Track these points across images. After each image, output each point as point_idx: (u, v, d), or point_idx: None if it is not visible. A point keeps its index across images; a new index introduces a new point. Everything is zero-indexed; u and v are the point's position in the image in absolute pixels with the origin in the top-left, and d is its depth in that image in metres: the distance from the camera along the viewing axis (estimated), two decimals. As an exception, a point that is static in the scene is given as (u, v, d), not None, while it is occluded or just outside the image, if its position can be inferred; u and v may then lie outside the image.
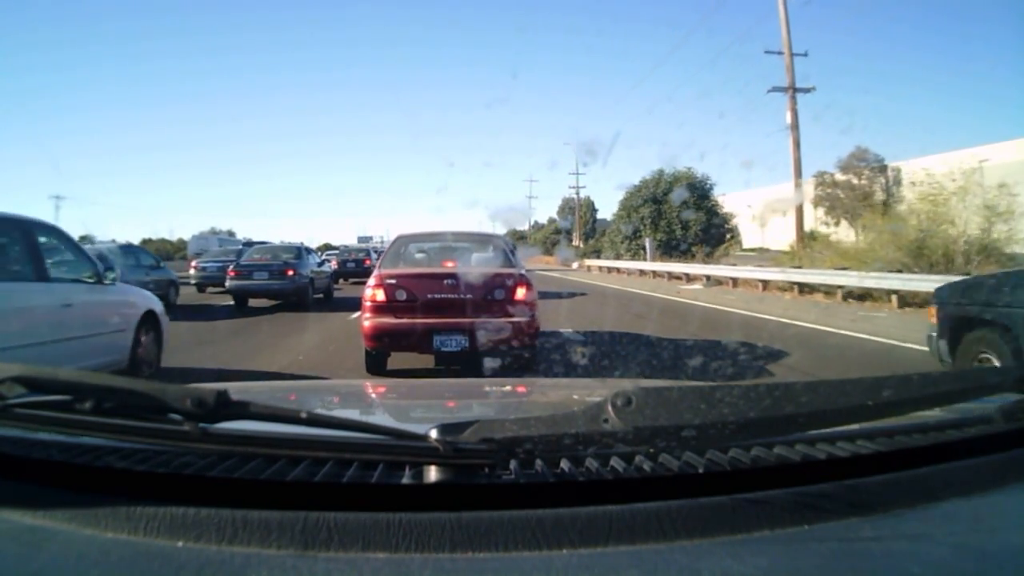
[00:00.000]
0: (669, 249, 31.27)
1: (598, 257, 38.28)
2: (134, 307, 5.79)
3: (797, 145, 21.90)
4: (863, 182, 30.56)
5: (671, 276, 25.11)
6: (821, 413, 0.90)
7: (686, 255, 29.24)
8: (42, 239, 4.92)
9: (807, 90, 21.80)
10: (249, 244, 20.82)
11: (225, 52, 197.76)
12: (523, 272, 5.98)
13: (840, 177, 31.37)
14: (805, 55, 22.17)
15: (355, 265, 22.29)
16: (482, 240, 6.84)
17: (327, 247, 46.63)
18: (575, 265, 39.00)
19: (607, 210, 54.71)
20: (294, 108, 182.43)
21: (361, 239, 61.18)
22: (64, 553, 0.75)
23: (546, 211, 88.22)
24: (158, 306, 6.21)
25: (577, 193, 50.95)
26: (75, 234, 7.60)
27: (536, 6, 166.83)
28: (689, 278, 23.48)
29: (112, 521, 0.80)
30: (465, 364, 5.53)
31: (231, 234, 54.39)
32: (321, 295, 15.30)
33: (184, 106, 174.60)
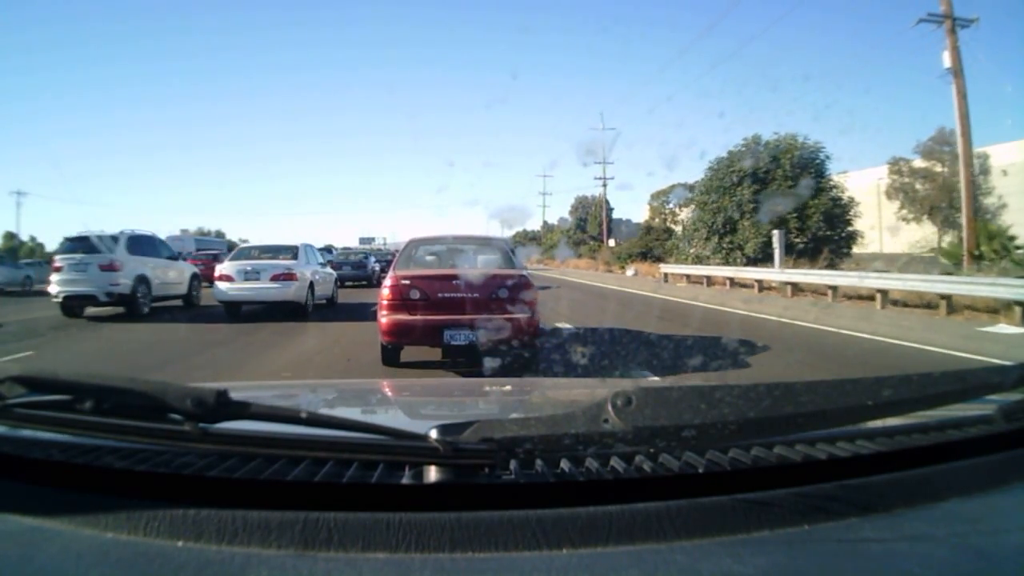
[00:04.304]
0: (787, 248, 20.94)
1: (647, 260, 30.85)
2: (332, 274, 15.44)
3: (963, 96, 15.34)
4: (944, 170, 24.39)
5: (858, 297, 13.75)
6: (821, 413, 0.90)
7: (811, 258, 20.63)
8: (315, 248, 15.07)
9: (969, 22, 15.49)
10: (328, 250, 29.99)
11: (225, 52, 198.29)
12: (525, 273, 6.68)
13: (918, 164, 25.50)
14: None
15: (385, 264, 27.25)
16: (487, 244, 7.68)
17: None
18: (630, 272, 30.66)
19: (617, 210, 53.29)
20: (295, 109, 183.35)
21: (363, 240, 61.34)
22: (64, 553, 0.75)
23: (551, 211, 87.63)
24: (335, 275, 16.08)
25: (604, 185, 44.70)
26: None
27: (539, 6, 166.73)
28: (950, 304, 11.61)
29: (112, 521, 0.79)
30: (471, 356, 6.09)
31: (220, 235, 59.34)
32: (377, 282, 23.42)
33: (184, 107, 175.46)
